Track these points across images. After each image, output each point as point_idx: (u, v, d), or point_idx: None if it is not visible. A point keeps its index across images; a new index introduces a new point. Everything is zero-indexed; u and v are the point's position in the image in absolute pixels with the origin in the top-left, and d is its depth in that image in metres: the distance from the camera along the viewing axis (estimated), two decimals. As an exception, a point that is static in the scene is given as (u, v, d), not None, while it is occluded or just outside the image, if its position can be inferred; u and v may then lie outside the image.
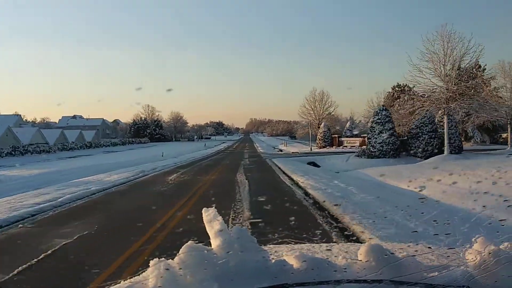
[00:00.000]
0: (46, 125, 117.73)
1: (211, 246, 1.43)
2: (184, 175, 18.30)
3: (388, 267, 1.40)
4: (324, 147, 46.28)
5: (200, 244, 1.40)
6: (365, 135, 45.51)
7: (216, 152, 48.47)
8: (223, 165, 25.76)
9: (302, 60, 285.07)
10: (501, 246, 1.47)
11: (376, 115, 29.76)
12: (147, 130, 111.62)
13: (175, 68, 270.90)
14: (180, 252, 1.36)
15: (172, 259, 1.34)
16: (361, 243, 3.18)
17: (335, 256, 1.86)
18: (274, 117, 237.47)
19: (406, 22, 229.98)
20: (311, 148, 46.07)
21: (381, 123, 29.36)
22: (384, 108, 30.35)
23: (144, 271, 1.42)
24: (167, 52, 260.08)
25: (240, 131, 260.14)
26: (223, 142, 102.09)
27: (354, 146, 45.11)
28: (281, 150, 53.06)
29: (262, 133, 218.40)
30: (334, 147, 45.80)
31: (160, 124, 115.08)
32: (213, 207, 1.63)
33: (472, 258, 1.47)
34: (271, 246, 2.40)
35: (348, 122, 49.91)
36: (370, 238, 5.94)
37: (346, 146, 45.39)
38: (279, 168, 21.44)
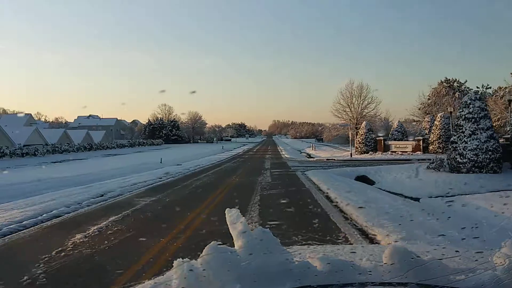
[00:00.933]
0: (59, 125, 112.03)
1: (234, 247, 1.39)
2: (126, 222, 8.44)
3: (413, 270, 1.37)
4: (365, 152, 36.15)
5: (224, 245, 1.35)
6: (420, 137, 35.21)
7: (231, 158, 39.18)
8: (228, 185, 15.85)
9: (325, 61, 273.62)
10: None
11: (465, 107, 19.50)
12: (162, 131, 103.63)
13: (198, 70, 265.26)
14: (203, 253, 1.33)
15: (196, 259, 1.31)
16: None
17: (360, 259, 1.79)
18: (297, 119, 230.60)
19: (438, 14, 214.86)
20: (351, 154, 35.93)
21: (473, 120, 19.12)
22: (478, 97, 20.10)
23: (168, 271, 1.37)
24: (190, 55, 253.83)
25: (263, 133, 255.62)
26: (244, 145, 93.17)
27: (406, 151, 34.90)
28: (309, 156, 43.39)
29: (285, 135, 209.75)
30: (379, 152, 35.58)
31: (177, 125, 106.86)
32: (236, 208, 1.58)
33: (500, 262, 1.41)
34: (295, 247, 2.31)
35: (396, 122, 39.44)
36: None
37: (394, 152, 35.12)
38: (328, 196, 11.69)
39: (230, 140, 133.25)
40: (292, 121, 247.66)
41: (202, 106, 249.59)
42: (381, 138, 36.53)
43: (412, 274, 1.35)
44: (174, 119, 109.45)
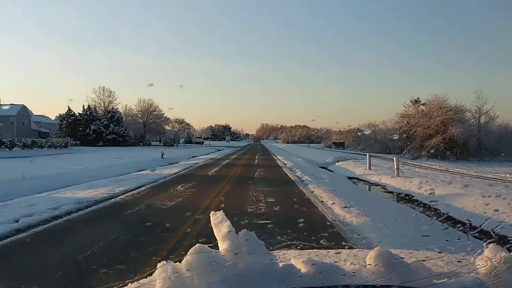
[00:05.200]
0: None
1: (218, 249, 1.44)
2: None
3: (396, 272, 1.40)
4: None
5: (208, 246, 1.36)
6: None
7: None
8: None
9: (317, 64, 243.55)
10: None
11: None
12: (90, 126, 66.56)
13: (185, 73, 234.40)
14: (187, 254, 1.33)
15: (180, 261, 1.33)
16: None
17: (344, 261, 1.83)
18: (286, 123, 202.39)
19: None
20: None
21: None
22: None
23: (151, 273, 1.40)
24: (181, 58, 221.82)
25: (250, 137, 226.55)
26: (217, 150, 57.14)
27: None
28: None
29: (275, 139, 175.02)
30: None
31: (117, 118, 69.66)
32: (221, 211, 1.55)
33: (482, 264, 1.45)
34: (279, 250, 2.25)
35: None
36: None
37: None
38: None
39: (202, 143, 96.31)
40: (282, 125, 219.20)
41: (187, 107, 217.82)
42: None
43: (396, 276, 1.37)
44: (116, 109, 72.31)
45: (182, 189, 12.35)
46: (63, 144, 48.76)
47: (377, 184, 16.94)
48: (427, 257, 1.77)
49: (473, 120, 38.80)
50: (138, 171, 20.45)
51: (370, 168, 22.62)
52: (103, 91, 75.79)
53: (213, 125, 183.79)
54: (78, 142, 64.63)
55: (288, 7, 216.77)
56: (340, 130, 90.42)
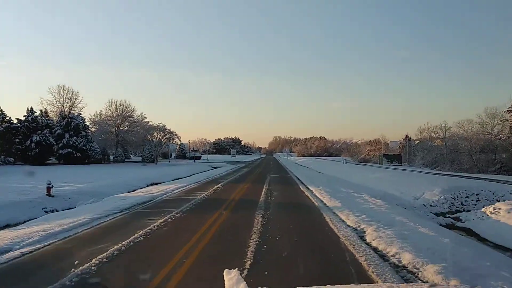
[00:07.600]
0: None
1: None
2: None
3: None
4: None
5: None
6: None
7: None
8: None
9: (329, 76, 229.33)
10: None
11: None
12: (32, 137, 47.22)
13: (195, 88, 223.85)
14: None
15: None
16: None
17: None
18: (300, 135, 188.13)
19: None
20: None
21: None
22: None
23: None
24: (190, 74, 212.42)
25: (262, 151, 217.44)
26: (212, 169, 37.27)
27: None
28: None
29: (289, 153, 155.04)
30: None
31: (75, 126, 50.11)
32: (236, 269, 1.46)
33: None
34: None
35: None
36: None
37: None
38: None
39: (198, 158, 75.91)
40: (295, 137, 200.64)
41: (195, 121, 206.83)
42: None
43: None
44: (77, 114, 52.66)
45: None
46: None
47: None
48: None
49: None
50: None
51: None
52: (63, 91, 56.37)
53: (222, 138, 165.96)
54: (12, 159, 45.40)
55: (302, 21, 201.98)
56: (380, 140, 68.64)
